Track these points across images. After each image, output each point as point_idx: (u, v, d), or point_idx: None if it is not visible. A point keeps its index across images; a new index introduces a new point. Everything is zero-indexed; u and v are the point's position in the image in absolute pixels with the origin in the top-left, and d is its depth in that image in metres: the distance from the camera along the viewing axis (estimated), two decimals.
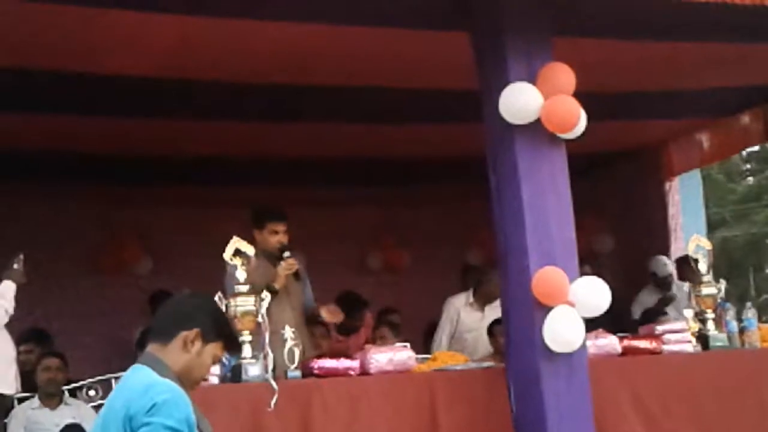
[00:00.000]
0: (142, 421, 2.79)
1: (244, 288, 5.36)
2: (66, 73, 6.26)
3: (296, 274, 6.41)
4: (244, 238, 5.54)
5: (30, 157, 7.83)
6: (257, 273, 5.88)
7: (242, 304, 5.31)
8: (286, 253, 6.34)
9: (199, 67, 6.35)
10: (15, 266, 6.35)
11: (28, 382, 6.59)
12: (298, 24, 5.76)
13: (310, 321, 6.72)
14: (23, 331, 6.55)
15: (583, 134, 5.65)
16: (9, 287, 6.28)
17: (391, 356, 5.65)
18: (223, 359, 5.25)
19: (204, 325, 3.08)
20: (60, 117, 7.07)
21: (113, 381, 5.37)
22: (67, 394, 6.62)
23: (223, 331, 3.16)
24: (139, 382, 2.91)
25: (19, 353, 6.54)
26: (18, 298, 6.31)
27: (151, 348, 3.06)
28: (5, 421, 6.34)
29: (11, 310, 6.24)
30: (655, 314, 7.53)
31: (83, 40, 5.79)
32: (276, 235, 6.43)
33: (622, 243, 9.93)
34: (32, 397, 6.57)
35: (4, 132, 7.11)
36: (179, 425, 2.82)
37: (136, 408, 2.81)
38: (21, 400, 6.51)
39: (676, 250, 9.64)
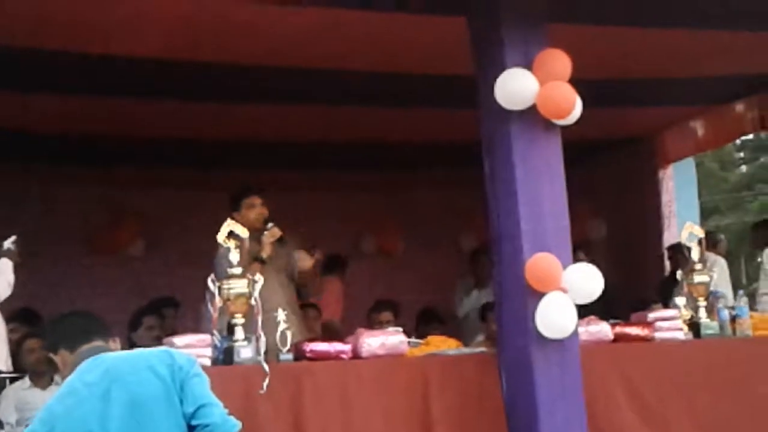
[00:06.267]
0: (193, 371, 3.19)
1: (237, 270, 5.33)
2: (67, 54, 6.23)
3: (281, 240, 6.31)
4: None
5: (27, 137, 7.81)
6: (244, 251, 5.85)
7: (235, 286, 5.29)
8: (270, 224, 6.30)
9: (201, 48, 6.33)
10: (10, 247, 6.35)
11: (15, 362, 6.58)
12: (295, 8, 5.74)
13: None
14: (11, 311, 6.54)
15: (579, 121, 5.65)
16: (6, 264, 6.28)
17: (384, 340, 5.65)
18: (216, 341, 5.26)
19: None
20: (56, 98, 7.05)
21: None
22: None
23: None
24: (153, 352, 3.27)
25: None
26: None
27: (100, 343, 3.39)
28: None
29: (12, 284, 6.24)
30: None
31: (84, 20, 5.77)
32: (254, 209, 6.38)
33: (616, 230, 9.94)
34: (23, 377, 6.57)
35: (1, 111, 7.09)
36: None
37: (180, 362, 3.19)
38: (12, 380, 6.51)
39: (669, 237, 9.66)
